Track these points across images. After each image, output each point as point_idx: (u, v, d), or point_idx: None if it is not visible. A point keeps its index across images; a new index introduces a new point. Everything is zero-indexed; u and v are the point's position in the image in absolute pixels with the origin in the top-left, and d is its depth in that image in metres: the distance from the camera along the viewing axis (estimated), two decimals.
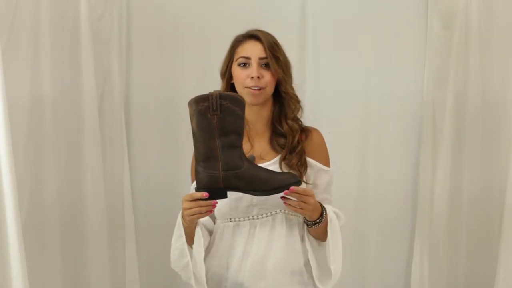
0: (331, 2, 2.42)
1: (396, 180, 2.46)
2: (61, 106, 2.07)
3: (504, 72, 2.23)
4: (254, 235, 1.52)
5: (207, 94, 1.34)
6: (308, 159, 1.57)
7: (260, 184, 1.35)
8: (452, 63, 2.32)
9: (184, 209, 1.41)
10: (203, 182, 1.36)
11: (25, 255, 1.58)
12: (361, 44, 2.42)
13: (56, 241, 2.04)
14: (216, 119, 1.33)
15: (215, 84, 1.62)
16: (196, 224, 1.48)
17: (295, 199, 1.41)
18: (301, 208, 1.42)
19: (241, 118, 1.37)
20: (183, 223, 1.47)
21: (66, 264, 2.09)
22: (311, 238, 1.55)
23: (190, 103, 1.36)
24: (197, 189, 1.38)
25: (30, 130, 1.93)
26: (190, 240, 1.49)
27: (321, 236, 1.54)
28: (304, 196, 1.41)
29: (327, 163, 1.61)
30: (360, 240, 2.46)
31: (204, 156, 1.35)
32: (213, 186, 1.35)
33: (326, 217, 1.49)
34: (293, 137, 1.56)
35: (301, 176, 1.53)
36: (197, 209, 1.39)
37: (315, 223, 1.49)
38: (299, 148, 1.55)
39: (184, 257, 1.49)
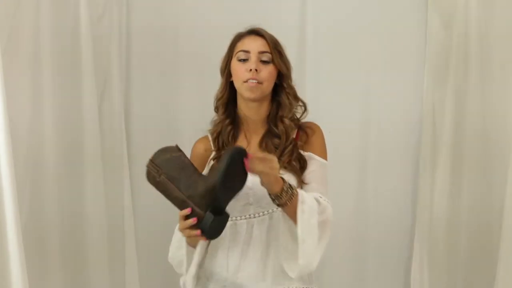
0: (330, 3, 2.42)
1: (396, 181, 2.46)
2: (61, 107, 2.07)
3: (504, 72, 2.23)
4: (252, 234, 1.51)
5: (146, 171, 1.42)
6: (303, 153, 1.54)
7: (214, 176, 1.34)
8: (452, 63, 2.32)
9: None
10: (207, 232, 1.36)
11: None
12: (361, 44, 2.42)
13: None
14: (163, 176, 1.38)
15: (216, 85, 1.62)
16: None
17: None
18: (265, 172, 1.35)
19: (178, 156, 1.40)
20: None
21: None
22: (288, 220, 1.44)
23: (154, 185, 1.42)
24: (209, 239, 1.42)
25: (30, 130, 1.93)
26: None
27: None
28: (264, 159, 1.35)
29: (321, 155, 1.56)
30: (360, 240, 2.46)
31: (184, 212, 1.37)
32: (211, 227, 1.34)
33: (296, 195, 1.39)
34: (287, 137, 1.54)
35: (298, 174, 1.51)
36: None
37: (281, 196, 1.38)
38: (289, 147, 1.53)
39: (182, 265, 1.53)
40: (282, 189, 1.37)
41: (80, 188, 2.15)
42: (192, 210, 1.35)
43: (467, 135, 2.32)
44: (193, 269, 1.50)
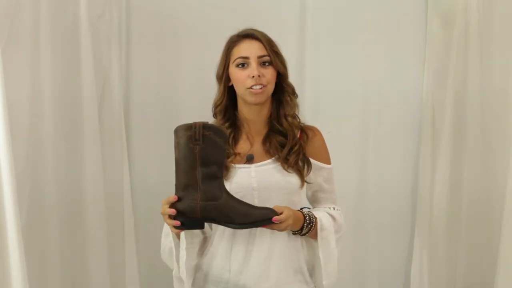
0: (330, 2, 2.42)
1: (396, 180, 2.47)
2: (60, 106, 2.06)
3: (504, 72, 2.23)
4: (256, 235, 1.51)
5: (191, 124, 1.34)
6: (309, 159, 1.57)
7: (238, 217, 1.35)
8: (452, 63, 2.33)
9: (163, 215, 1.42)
10: (179, 211, 1.36)
11: (24, 257, 1.58)
12: (361, 44, 2.42)
13: (56, 241, 2.04)
14: (198, 149, 1.34)
15: (214, 84, 1.62)
16: None
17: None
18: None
19: (223, 149, 1.38)
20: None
21: (65, 265, 2.09)
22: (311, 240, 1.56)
23: (175, 132, 1.37)
24: (174, 217, 1.37)
25: (30, 129, 1.92)
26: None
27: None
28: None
29: (327, 161, 1.61)
30: (360, 240, 2.46)
31: (184, 185, 1.36)
32: (190, 216, 1.35)
33: (315, 225, 1.50)
34: (293, 135, 1.55)
35: (301, 175, 1.53)
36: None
37: (301, 231, 1.50)
38: (296, 147, 1.54)
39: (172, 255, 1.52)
40: (303, 226, 1.49)
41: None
42: (191, 200, 1.34)
43: (467, 137, 2.32)
44: (183, 255, 1.47)
